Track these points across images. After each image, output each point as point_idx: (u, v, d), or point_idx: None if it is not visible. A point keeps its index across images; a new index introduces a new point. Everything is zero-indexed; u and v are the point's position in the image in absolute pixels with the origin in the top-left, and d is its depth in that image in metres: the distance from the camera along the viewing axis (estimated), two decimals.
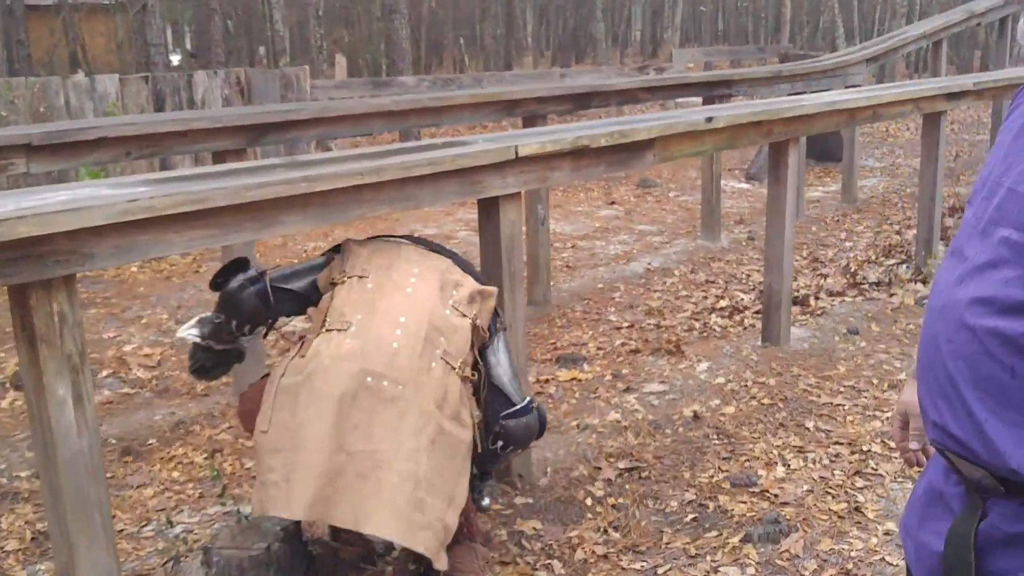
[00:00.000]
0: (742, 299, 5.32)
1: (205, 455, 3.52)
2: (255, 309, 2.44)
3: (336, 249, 2.54)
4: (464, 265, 2.57)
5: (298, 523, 2.55)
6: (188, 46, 27.45)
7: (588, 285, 5.86)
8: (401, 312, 2.29)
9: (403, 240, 2.58)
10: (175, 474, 3.39)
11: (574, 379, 4.26)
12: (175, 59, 21.90)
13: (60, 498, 2.09)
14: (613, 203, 8.61)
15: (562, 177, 3.24)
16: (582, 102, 5.75)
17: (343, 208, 2.52)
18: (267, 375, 2.39)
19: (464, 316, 2.39)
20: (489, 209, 3.01)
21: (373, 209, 2.60)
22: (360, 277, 2.38)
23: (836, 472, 3.25)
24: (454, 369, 2.31)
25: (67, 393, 2.06)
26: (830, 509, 3.01)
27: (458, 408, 2.29)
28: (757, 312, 4.96)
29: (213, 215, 2.21)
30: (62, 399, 2.05)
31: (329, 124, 4.10)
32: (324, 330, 2.27)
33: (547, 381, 4.24)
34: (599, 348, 4.67)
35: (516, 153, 2.88)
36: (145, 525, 3.02)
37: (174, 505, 3.16)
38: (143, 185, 2.20)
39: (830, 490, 3.13)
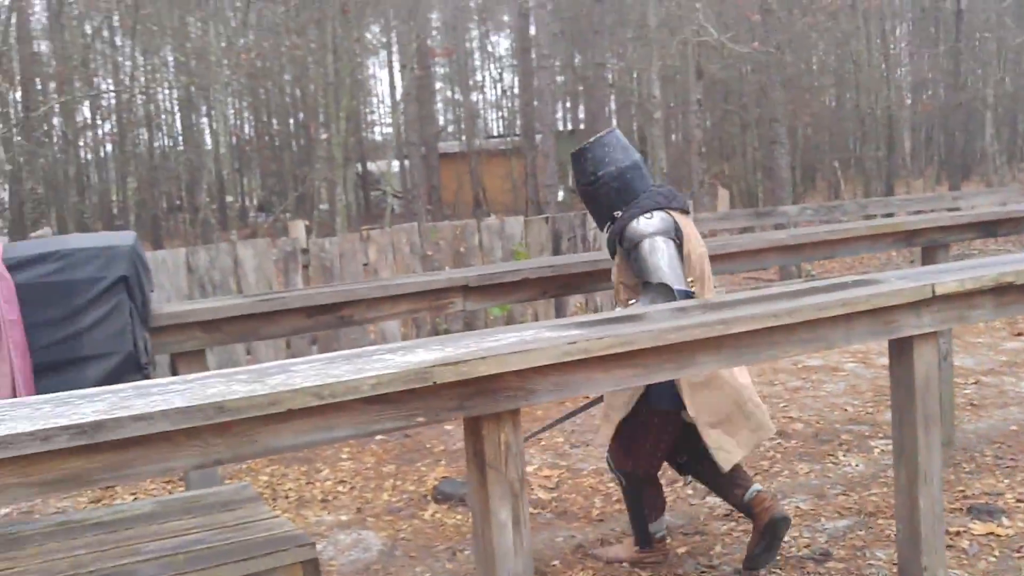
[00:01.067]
0: None
1: None
2: None
3: None
4: None
5: None
6: (570, 183, 29.52)
7: (998, 426, 5.33)
8: None
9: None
10: None
11: (991, 534, 3.87)
12: (559, 195, 23.66)
13: None
14: (1020, 334, 7.79)
15: (983, 315, 3.05)
16: (988, 230, 5.36)
17: (755, 349, 2.57)
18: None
19: None
20: (902, 349, 2.91)
21: (785, 351, 2.63)
22: None
23: None
24: None
25: (508, 517, 2.28)
26: None
27: None
28: None
29: (638, 356, 2.37)
30: (504, 522, 2.27)
31: (726, 260, 4.21)
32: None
33: (958, 534, 3.89)
34: (1019, 500, 4.21)
35: (933, 292, 2.78)
36: None
37: None
38: (576, 328, 2.43)
39: None
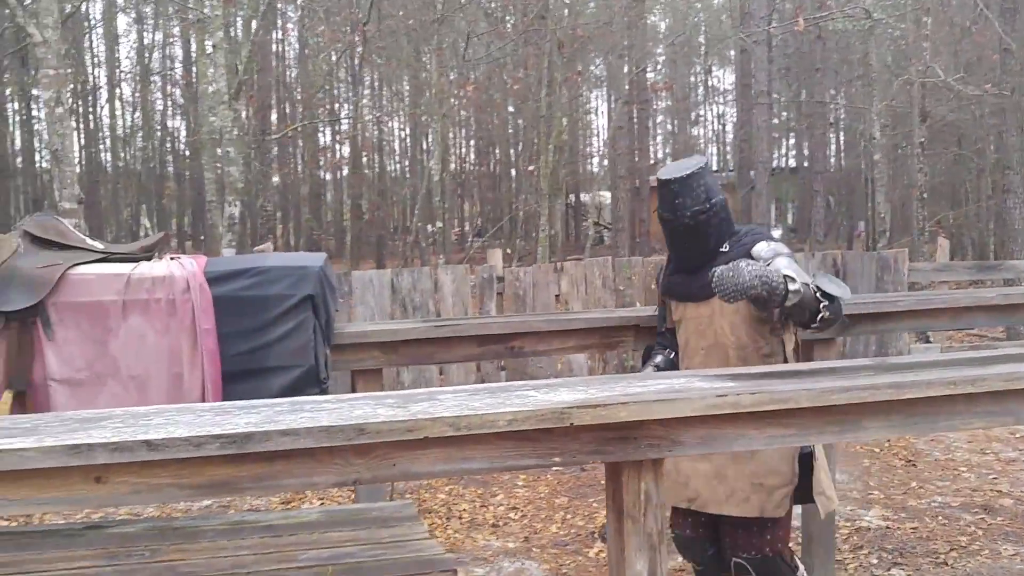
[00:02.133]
0: None
1: None
2: None
3: None
4: None
5: None
6: (789, 222, 28.56)
7: None
8: None
9: None
10: None
11: None
12: (776, 234, 22.93)
13: None
14: None
15: None
16: None
17: (930, 418, 2.37)
18: None
19: None
20: None
21: (966, 422, 2.41)
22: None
23: None
24: None
25: (643, 568, 2.21)
26: None
27: None
28: None
29: (795, 415, 2.25)
30: (639, 573, 2.21)
31: (925, 317, 3.92)
32: None
33: None
34: None
35: None
36: None
37: None
38: (729, 380, 2.33)
39: None
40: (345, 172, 24.80)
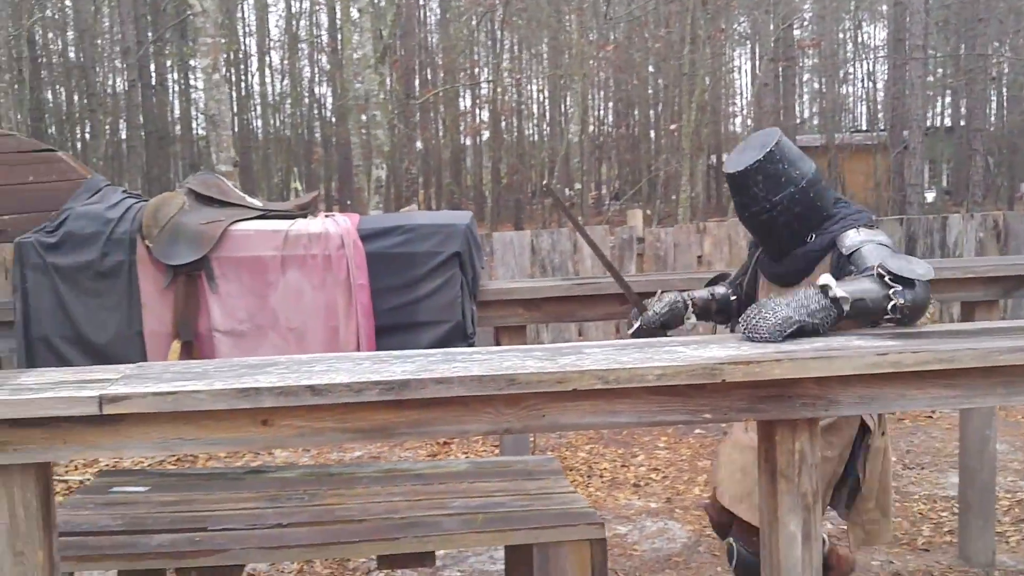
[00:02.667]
0: None
1: None
2: None
3: None
4: None
5: None
6: (944, 184, 27.10)
7: None
8: None
9: None
10: None
11: None
12: (929, 196, 21.81)
13: None
14: None
15: None
16: None
17: None
18: None
19: None
20: None
21: None
22: None
23: None
24: None
25: (797, 530, 2.16)
26: None
27: None
28: None
29: (960, 375, 2.14)
30: (792, 535, 2.16)
31: None
32: None
33: None
34: None
35: None
36: None
37: None
38: (892, 339, 2.24)
39: None
40: (485, 136, 25.04)
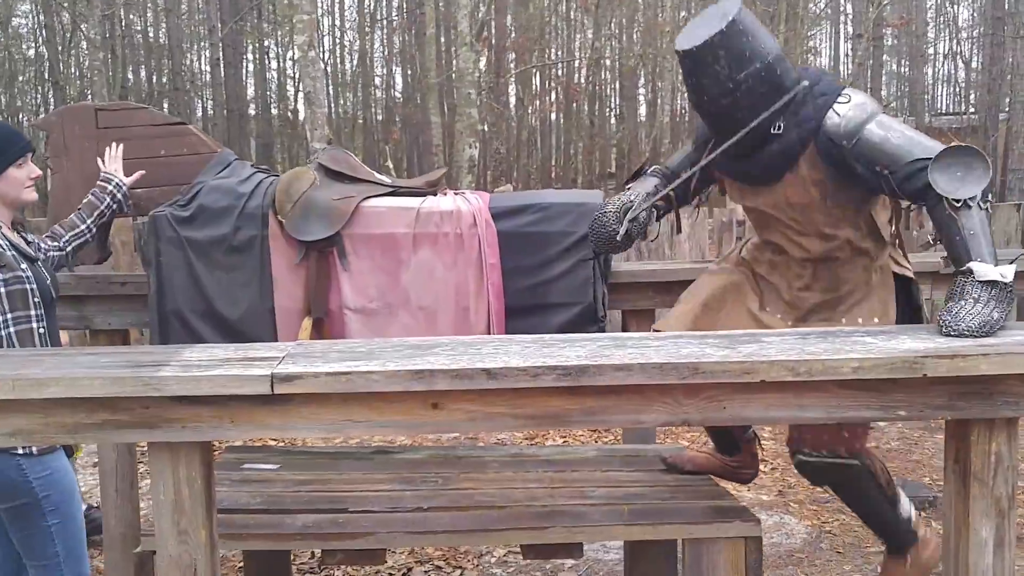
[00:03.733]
0: None
1: None
2: None
3: None
4: None
5: None
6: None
7: None
8: None
9: None
10: None
11: None
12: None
13: None
14: None
15: None
16: None
17: None
18: None
19: None
20: None
21: None
22: None
23: None
24: None
25: (989, 536, 2.02)
26: None
27: None
28: None
29: None
30: (984, 541, 2.02)
31: None
32: None
33: None
34: None
35: None
36: None
37: None
38: None
39: None
40: (555, 118, 24.77)
